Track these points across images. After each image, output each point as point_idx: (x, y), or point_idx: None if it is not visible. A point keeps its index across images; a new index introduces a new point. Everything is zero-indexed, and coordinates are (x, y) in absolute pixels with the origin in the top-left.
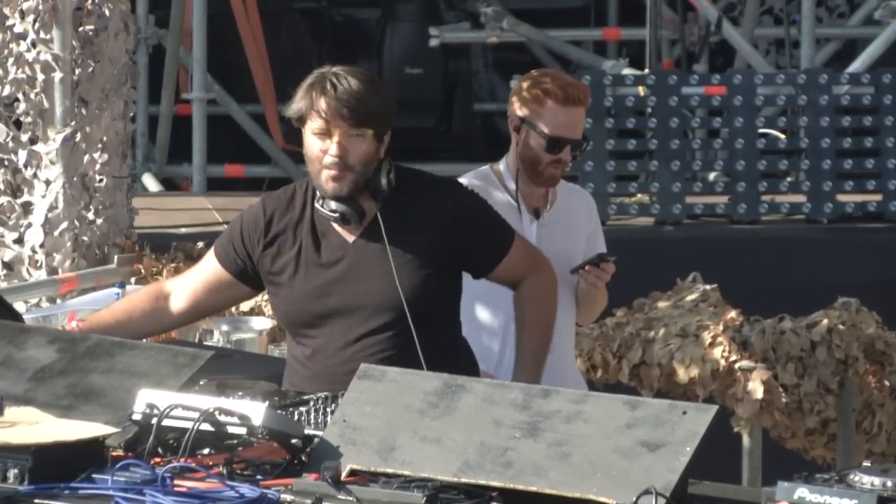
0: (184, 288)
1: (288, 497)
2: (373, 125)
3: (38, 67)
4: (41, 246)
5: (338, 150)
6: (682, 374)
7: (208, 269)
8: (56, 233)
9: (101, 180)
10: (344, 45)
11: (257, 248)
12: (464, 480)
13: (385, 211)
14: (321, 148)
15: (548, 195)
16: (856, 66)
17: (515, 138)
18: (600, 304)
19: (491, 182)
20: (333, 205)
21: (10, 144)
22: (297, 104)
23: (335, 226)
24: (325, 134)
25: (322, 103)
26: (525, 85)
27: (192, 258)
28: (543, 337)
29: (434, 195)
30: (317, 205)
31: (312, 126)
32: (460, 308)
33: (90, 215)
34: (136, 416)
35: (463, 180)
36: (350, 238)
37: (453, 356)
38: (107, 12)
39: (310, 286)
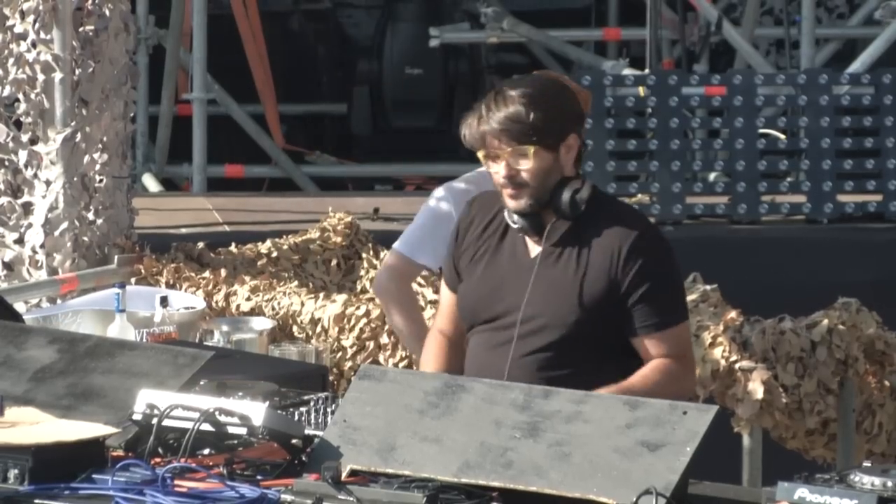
0: (451, 325)
1: (288, 497)
2: (535, 141)
3: (38, 68)
4: (41, 246)
5: (506, 171)
6: None
7: (449, 298)
8: (56, 233)
9: (101, 180)
10: (344, 45)
11: (460, 246)
12: (464, 480)
13: (565, 232)
14: (494, 171)
15: None
16: (856, 66)
17: None
18: None
19: (487, 183)
20: (515, 217)
21: (11, 144)
22: (466, 136)
23: (526, 237)
24: (494, 158)
25: (480, 132)
26: None
27: (193, 258)
28: (649, 392)
29: (614, 222)
30: (505, 213)
31: (481, 154)
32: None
33: (90, 215)
34: (137, 417)
35: (459, 183)
36: (532, 253)
37: None
38: (107, 12)
39: (482, 287)
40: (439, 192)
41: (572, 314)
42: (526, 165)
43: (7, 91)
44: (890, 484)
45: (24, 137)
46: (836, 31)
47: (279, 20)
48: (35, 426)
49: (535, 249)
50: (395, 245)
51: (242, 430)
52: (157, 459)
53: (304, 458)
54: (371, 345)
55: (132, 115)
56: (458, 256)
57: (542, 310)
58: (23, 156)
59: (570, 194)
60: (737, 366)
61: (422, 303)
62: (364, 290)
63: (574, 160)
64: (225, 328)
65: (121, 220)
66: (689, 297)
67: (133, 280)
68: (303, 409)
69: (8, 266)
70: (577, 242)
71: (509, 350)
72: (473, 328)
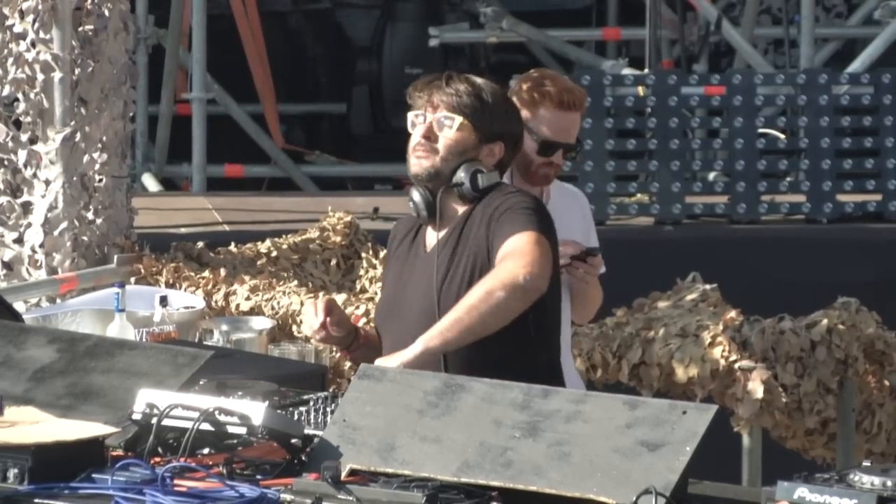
0: None
1: (288, 497)
2: (467, 116)
3: (37, 67)
4: (41, 246)
5: (425, 131)
6: (682, 374)
7: None
8: (56, 233)
9: (100, 180)
10: (344, 45)
11: (387, 266)
12: (464, 480)
13: (458, 224)
14: (416, 131)
15: (542, 194)
16: (855, 66)
17: None
18: (595, 301)
19: None
20: (413, 193)
21: (10, 144)
22: (413, 93)
23: (427, 227)
24: (422, 118)
25: (429, 89)
26: (522, 86)
27: (192, 258)
28: (464, 316)
29: (492, 201)
30: (409, 204)
31: (417, 107)
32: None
33: (90, 215)
34: (136, 416)
35: None
36: (431, 242)
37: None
38: (106, 12)
39: (387, 293)
40: None
41: (440, 299)
42: (447, 133)
43: (6, 91)
44: (890, 484)
45: (24, 137)
46: (835, 30)
47: (279, 20)
48: (35, 426)
49: (432, 241)
50: None
51: (242, 430)
52: (157, 459)
53: (303, 458)
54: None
55: (132, 114)
56: (385, 276)
57: (439, 299)
58: (22, 155)
59: (473, 171)
60: (736, 365)
61: None
62: (364, 290)
63: (494, 164)
64: (224, 328)
65: (120, 219)
66: (689, 297)
67: (133, 280)
68: (302, 408)
69: (7, 266)
70: (468, 230)
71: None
72: (385, 331)
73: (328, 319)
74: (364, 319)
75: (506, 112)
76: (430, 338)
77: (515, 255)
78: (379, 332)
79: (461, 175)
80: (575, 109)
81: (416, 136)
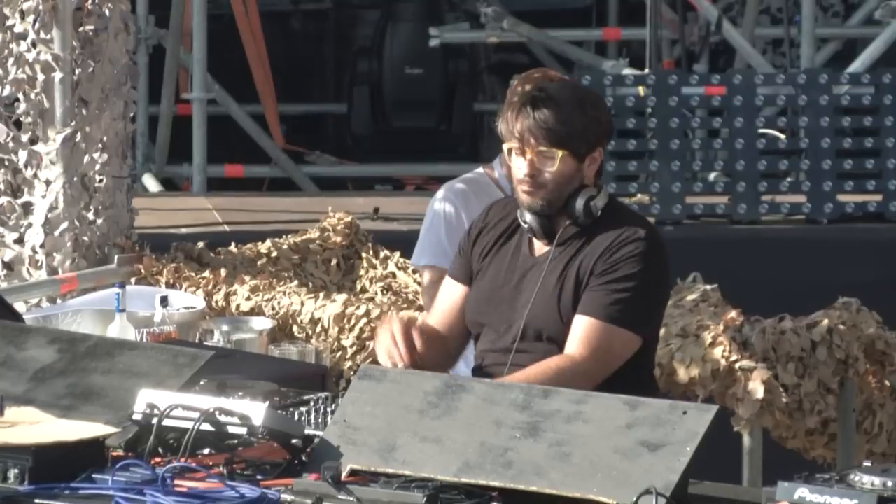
0: (448, 320)
1: (288, 497)
2: (568, 147)
3: (38, 67)
4: (41, 246)
5: (529, 170)
6: (683, 374)
7: (454, 293)
8: (56, 233)
9: (101, 180)
10: (344, 45)
11: (475, 247)
12: (464, 480)
13: (570, 238)
14: (518, 165)
15: None
16: (856, 66)
17: None
18: None
19: (484, 184)
20: (528, 216)
21: (11, 144)
22: (501, 121)
23: (534, 238)
24: (521, 152)
25: (518, 125)
26: (521, 85)
27: (193, 258)
28: (540, 380)
29: (613, 226)
30: (518, 213)
31: (508, 143)
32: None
33: (90, 215)
34: (137, 416)
35: (458, 183)
36: (536, 253)
37: None
38: (107, 12)
39: (481, 291)
40: (441, 193)
41: (558, 323)
42: (551, 168)
43: (7, 91)
44: (890, 484)
45: (24, 137)
46: (836, 30)
47: (279, 20)
48: (35, 426)
49: (540, 250)
50: (420, 260)
51: (242, 430)
52: (157, 459)
53: (304, 458)
54: (371, 345)
55: (132, 114)
56: (472, 258)
57: (545, 312)
58: (23, 155)
59: (585, 201)
60: (737, 365)
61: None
62: (364, 290)
63: (595, 172)
64: (225, 328)
65: (121, 220)
66: (690, 297)
67: (133, 280)
68: (303, 409)
69: (8, 266)
70: (583, 248)
71: (512, 349)
72: (478, 327)
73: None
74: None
75: (595, 118)
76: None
77: (575, 364)
78: (473, 320)
79: (578, 207)
80: None
81: (519, 172)
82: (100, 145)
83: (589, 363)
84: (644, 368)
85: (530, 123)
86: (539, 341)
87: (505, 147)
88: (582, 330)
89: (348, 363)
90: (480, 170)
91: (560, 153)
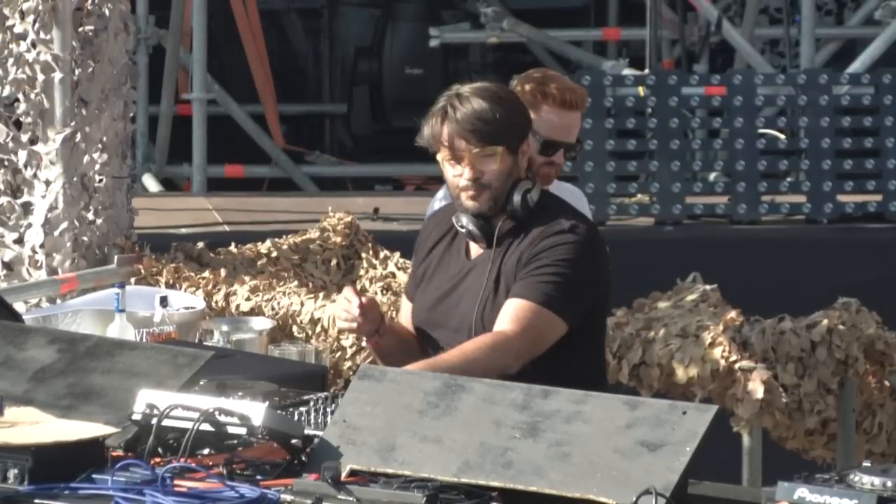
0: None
1: (288, 497)
2: (503, 142)
3: (38, 68)
4: (41, 246)
5: (471, 174)
6: (682, 375)
7: (406, 311)
8: (56, 233)
9: (101, 180)
10: (344, 45)
11: (420, 266)
12: (464, 480)
13: (505, 234)
14: (455, 173)
15: None
16: (856, 66)
17: None
18: None
19: None
20: (463, 219)
21: (10, 144)
22: (425, 135)
23: (472, 241)
24: (457, 160)
25: (444, 131)
26: (524, 87)
27: (192, 258)
28: (460, 365)
29: (542, 221)
30: (453, 219)
31: (442, 155)
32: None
33: (90, 215)
34: (136, 417)
35: None
36: (472, 255)
37: None
38: (107, 12)
39: (426, 297)
40: (441, 193)
41: (480, 318)
42: (493, 166)
43: (7, 91)
44: (890, 484)
45: (24, 137)
46: (836, 30)
47: (279, 20)
48: (35, 426)
49: (477, 252)
50: None
51: (242, 430)
52: (157, 459)
53: (303, 458)
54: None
55: (132, 115)
56: (417, 272)
57: (490, 312)
58: (22, 156)
59: (522, 194)
60: (737, 366)
61: None
62: (363, 290)
63: (527, 161)
64: (225, 328)
65: (121, 220)
66: (689, 298)
67: (133, 280)
68: (302, 409)
69: (8, 266)
70: (519, 242)
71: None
72: (425, 336)
73: (363, 301)
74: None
75: (516, 110)
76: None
77: (508, 339)
78: (418, 329)
79: (516, 200)
80: (576, 109)
81: (458, 179)
82: (99, 145)
83: (521, 339)
84: (576, 362)
85: (457, 128)
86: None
87: (439, 157)
88: (512, 310)
89: (348, 363)
90: None
91: (499, 149)
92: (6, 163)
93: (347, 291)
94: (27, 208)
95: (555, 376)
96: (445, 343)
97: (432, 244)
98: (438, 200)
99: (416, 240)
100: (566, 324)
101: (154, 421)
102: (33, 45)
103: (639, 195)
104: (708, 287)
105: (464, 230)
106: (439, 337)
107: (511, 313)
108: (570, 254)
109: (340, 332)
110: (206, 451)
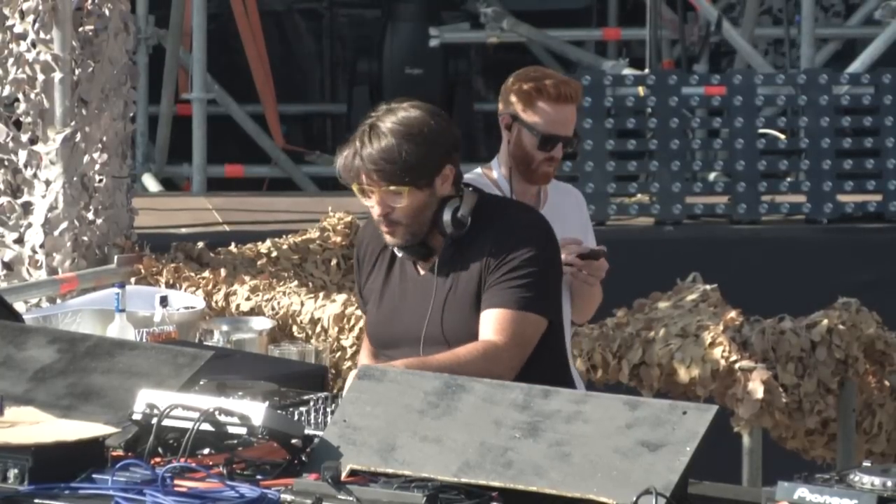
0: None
1: (288, 497)
2: (410, 182)
3: (38, 67)
4: (41, 246)
5: (380, 210)
6: (683, 374)
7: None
8: (56, 233)
9: (101, 180)
10: (344, 45)
11: (360, 274)
12: (464, 480)
13: (450, 246)
14: (368, 205)
15: (540, 194)
16: (856, 66)
17: (507, 136)
18: (595, 300)
19: (483, 184)
20: (397, 250)
21: (10, 144)
22: (337, 167)
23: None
24: (366, 195)
25: (354, 165)
26: (517, 83)
27: (192, 258)
28: (449, 367)
29: (490, 224)
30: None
31: (354, 188)
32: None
33: (90, 215)
34: (137, 416)
35: None
36: (421, 271)
37: None
38: (107, 12)
39: (382, 312)
40: None
41: (471, 324)
42: (400, 204)
43: (7, 91)
44: (890, 484)
45: (24, 137)
46: (836, 31)
47: (279, 20)
48: (35, 426)
49: (425, 268)
50: None
51: (242, 430)
52: (157, 459)
53: (303, 458)
54: None
55: (132, 114)
56: (361, 284)
57: (443, 326)
58: (23, 156)
59: (451, 214)
60: (737, 366)
61: None
62: None
63: (452, 182)
64: (225, 328)
65: (121, 220)
66: (690, 297)
67: (133, 280)
68: (303, 409)
69: (8, 266)
70: (464, 253)
71: None
72: (384, 347)
73: None
74: None
75: (430, 142)
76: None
77: (498, 349)
78: (375, 351)
79: (447, 222)
80: (572, 101)
81: (372, 212)
82: (99, 145)
83: (511, 350)
84: (556, 351)
85: (362, 165)
86: (439, 350)
87: (354, 189)
88: (494, 321)
89: (348, 363)
90: (479, 170)
91: (405, 189)
92: (6, 163)
93: None
94: (27, 208)
95: (536, 369)
96: (411, 355)
97: (373, 256)
98: None
99: (355, 253)
100: (547, 319)
101: (154, 421)
102: (33, 45)
103: (639, 195)
104: (708, 287)
105: (401, 254)
106: (395, 355)
107: (494, 324)
108: (534, 248)
109: (341, 331)
110: (206, 451)
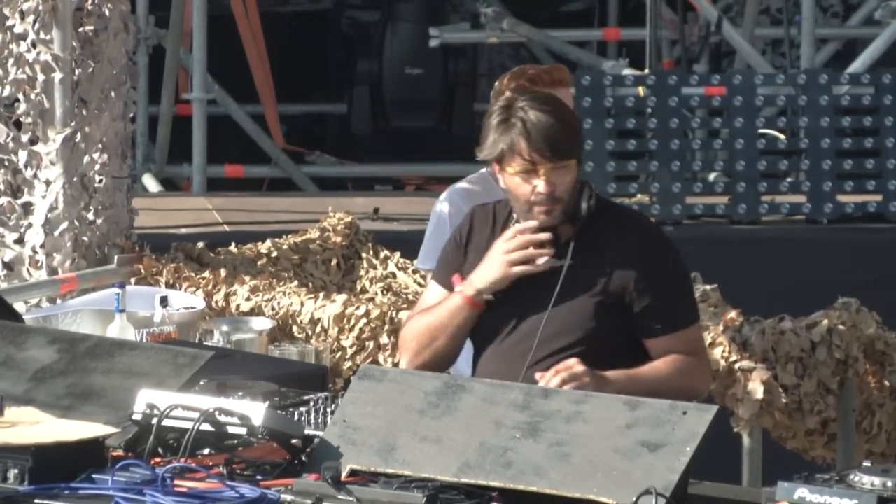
0: None
1: (288, 497)
2: (575, 155)
3: (38, 68)
4: (41, 246)
5: (547, 188)
6: None
7: (436, 297)
8: (56, 233)
9: (101, 180)
10: (344, 45)
11: (462, 256)
12: (464, 481)
13: (581, 237)
14: (528, 187)
15: None
16: (856, 66)
17: None
18: None
19: (490, 184)
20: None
21: (10, 145)
22: (492, 147)
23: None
24: (531, 172)
25: (521, 145)
26: (508, 81)
27: (192, 258)
28: (653, 382)
29: (623, 227)
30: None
31: (515, 167)
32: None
33: (90, 215)
34: (137, 417)
35: (462, 184)
36: (540, 260)
37: None
38: (107, 12)
39: (497, 302)
40: (445, 195)
41: (591, 320)
42: (565, 179)
43: (7, 91)
44: (890, 484)
45: (24, 137)
46: (836, 31)
47: (279, 20)
48: (35, 426)
49: (542, 258)
50: (424, 263)
51: (242, 430)
52: (157, 459)
53: (303, 458)
54: (371, 345)
55: (132, 115)
56: (463, 264)
57: (562, 318)
58: (23, 156)
59: (587, 202)
60: (737, 366)
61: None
62: (364, 290)
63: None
64: (225, 328)
65: (121, 220)
66: None
67: (133, 280)
68: (303, 409)
69: (8, 266)
70: (588, 248)
71: (527, 357)
72: (486, 340)
73: None
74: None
75: (576, 118)
76: (616, 380)
77: (700, 370)
78: (486, 331)
79: (584, 208)
80: (566, 85)
81: (531, 194)
82: (99, 145)
83: (704, 364)
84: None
85: (534, 142)
86: (565, 345)
87: (512, 169)
88: (678, 342)
89: (348, 363)
90: (484, 170)
91: (573, 163)
92: (6, 163)
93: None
94: (27, 208)
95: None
96: (510, 344)
97: (483, 236)
98: (442, 202)
99: (457, 225)
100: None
101: (154, 421)
102: (33, 45)
103: (639, 195)
104: (708, 287)
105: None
106: (505, 344)
107: (680, 346)
108: (678, 255)
109: (341, 331)
110: (206, 451)
